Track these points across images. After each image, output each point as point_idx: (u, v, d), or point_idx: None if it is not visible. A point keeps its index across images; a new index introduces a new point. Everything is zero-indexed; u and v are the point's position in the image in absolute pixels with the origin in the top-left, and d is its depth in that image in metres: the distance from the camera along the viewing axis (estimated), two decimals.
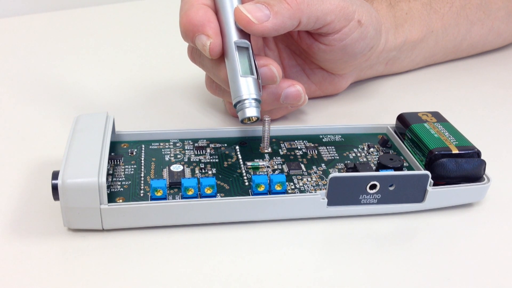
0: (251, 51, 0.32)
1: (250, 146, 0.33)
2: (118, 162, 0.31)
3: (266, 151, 0.33)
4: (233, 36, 0.32)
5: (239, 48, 0.32)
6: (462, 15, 0.47)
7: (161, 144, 0.33)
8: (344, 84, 0.41)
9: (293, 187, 0.30)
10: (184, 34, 0.32)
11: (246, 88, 0.31)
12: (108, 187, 0.28)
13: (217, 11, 0.32)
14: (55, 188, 0.26)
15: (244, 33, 0.32)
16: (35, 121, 0.39)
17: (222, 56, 0.32)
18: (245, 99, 0.31)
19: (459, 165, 0.29)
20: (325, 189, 0.28)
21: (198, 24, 0.31)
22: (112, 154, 0.31)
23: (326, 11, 0.33)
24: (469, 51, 0.50)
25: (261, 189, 0.28)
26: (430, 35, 0.45)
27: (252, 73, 0.31)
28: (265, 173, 0.31)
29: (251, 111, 0.31)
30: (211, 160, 0.32)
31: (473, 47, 0.50)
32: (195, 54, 0.36)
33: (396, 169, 0.29)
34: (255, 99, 0.31)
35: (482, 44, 0.50)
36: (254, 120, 0.31)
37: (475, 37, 0.49)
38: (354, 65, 0.39)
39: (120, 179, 0.29)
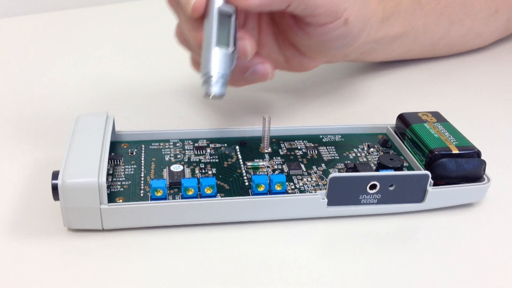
0: (234, 19, 0.30)
1: (250, 146, 0.33)
2: (118, 162, 0.31)
3: (266, 151, 0.33)
4: (218, 1, 0.29)
5: (222, 15, 0.29)
6: (445, 13, 0.46)
7: (161, 144, 0.33)
8: (312, 66, 0.39)
9: (293, 187, 0.30)
10: None
11: (217, 61, 0.29)
12: (108, 187, 0.28)
13: None
14: (55, 188, 0.26)
15: None
16: (35, 121, 0.39)
17: (202, 16, 0.30)
18: (212, 75, 0.29)
19: (459, 165, 0.29)
20: (325, 189, 0.28)
21: None
22: (112, 154, 0.31)
23: (318, 3, 0.31)
24: (446, 51, 0.50)
25: (261, 189, 0.28)
26: (410, 31, 0.45)
27: (227, 45, 0.29)
28: (265, 173, 0.31)
29: (215, 89, 0.29)
30: (211, 160, 0.32)
31: (450, 46, 0.50)
32: (175, 1, 0.33)
33: (396, 169, 0.29)
34: (223, 76, 0.29)
35: (459, 44, 0.50)
36: (218, 98, 0.29)
37: (453, 37, 0.49)
38: (328, 55, 0.38)
39: (120, 179, 0.29)
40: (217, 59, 0.29)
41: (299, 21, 0.34)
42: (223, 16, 0.29)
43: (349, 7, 0.33)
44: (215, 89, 0.28)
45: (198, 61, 0.34)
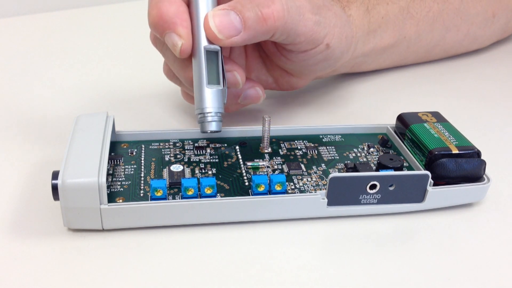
0: (220, 55, 0.31)
1: (250, 146, 0.33)
2: (118, 162, 0.31)
3: (266, 151, 0.33)
4: (203, 40, 0.30)
5: (209, 52, 0.30)
6: (439, 20, 0.46)
7: (161, 144, 0.33)
8: (301, 84, 0.40)
9: (293, 187, 0.30)
10: (153, 27, 0.30)
11: (210, 100, 0.30)
12: (108, 187, 0.28)
13: (189, 5, 0.31)
14: (55, 188, 0.26)
15: None
16: (35, 121, 0.39)
17: (190, 55, 0.31)
18: (207, 113, 0.31)
19: (459, 165, 0.29)
20: (325, 189, 0.28)
21: (170, 21, 0.29)
22: (112, 154, 0.31)
23: (299, 32, 0.31)
24: (441, 56, 0.50)
25: (261, 189, 0.28)
26: (402, 40, 0.44)
27: (218, 82, 0.31)
28: (265, 173, 0.31)
29: (212, 126, 0.31)
30: (211, 160, 0.32)
31: (446, 52, 0.50)
32: (159, 42, 0.33)
33: (396, 169, 0.29)
34: (218, 113, 0.31)
35: (455, 49, 0.50)
36: (215, 132, 0.31)
37: (449, 43, 0.48)
38: (315, 75, 0.38)
39: (120, 179, 0.29)
40: (210, 98, 0.30)
41: (281, 48, 0.34)
42: (211, 53, 0.31)
43: (329, 32, 0.33)
44: (212, 126, 0.31)
45: (189, 94, 0.35)
